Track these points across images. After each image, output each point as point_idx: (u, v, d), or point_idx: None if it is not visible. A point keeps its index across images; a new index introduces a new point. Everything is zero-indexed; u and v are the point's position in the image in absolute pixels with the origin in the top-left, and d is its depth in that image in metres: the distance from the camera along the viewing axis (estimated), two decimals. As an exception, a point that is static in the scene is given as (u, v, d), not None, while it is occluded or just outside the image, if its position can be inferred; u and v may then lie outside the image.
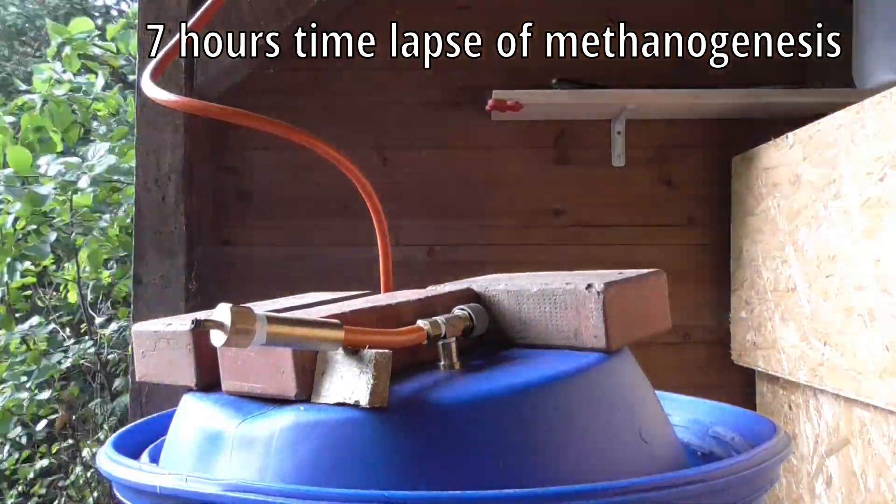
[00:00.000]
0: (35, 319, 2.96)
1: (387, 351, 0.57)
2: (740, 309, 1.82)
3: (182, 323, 0.69)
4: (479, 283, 0.76)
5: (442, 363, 0.65)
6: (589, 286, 0.64)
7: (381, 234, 0.90)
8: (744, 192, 1.80)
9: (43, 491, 2.92)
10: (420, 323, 0.63)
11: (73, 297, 3.09)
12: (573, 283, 0.66)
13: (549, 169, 1.96)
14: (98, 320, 3.00)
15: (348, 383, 0.56)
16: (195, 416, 0.65)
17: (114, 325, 2.99)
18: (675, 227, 1.96)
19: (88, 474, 2.78)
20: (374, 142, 1.95)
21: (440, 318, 0.65)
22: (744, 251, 1.80)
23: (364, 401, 0.55)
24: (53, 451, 3.00)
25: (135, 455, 0.74)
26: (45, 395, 2.73)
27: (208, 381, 0.67)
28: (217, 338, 0.51)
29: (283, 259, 1.92)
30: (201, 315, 0.55)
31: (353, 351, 0.57)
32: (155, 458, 0.74)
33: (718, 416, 0.86)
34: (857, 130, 1.29)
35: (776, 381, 1.70)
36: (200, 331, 0.51)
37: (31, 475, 2.95)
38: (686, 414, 0.91)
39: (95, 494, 2.72)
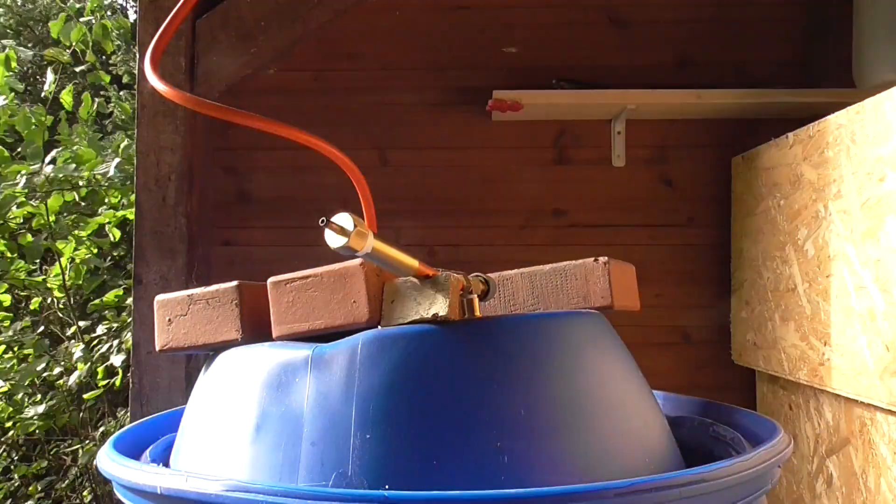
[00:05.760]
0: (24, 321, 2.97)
1: (459, 274, 0.65)
2: (740, 309, 1.82)
3: (218, 286, 0.76)
4: (485, 275, 0.81)
5: (465, 316, 0.70)
6: (596, 259, 0.79)
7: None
8: (744, 192, 1.80)
9: (40, 493, 2.91)
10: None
11: (34, 304, 3.09)
12: (579, 260, 0.80)
13: (549, 169, 1.96)
14: (83, 324, 3.00)
15: (424, 302, 0.65)
16: (253, 358, 0.69)
17: (101, 329, 2.99)
18: (675, 227, 1.96)
19: (85, 475, 2.78)
20: (373, 142, 1.94)
21: (462, 275, 0.71)
22: (744, 251, 1.80)
23: (443, 311, 0.63)
24: (50, 452, 2.99)
25: (135, 455, 0.74)
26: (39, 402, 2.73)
27: (251, 335, 0.74)
28: (335, 240, 0.56)
29: (284, 259, 1.91)
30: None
31: (424, 278, 0.65)
32: (155, 459, 0.74)
33: (718, 416, 0.86)
34: (857, 130, 1.29)
35: (776, 381, 1.70)
36: (241, 288, 0.62)
37: (28, 475, 2.94)
38: (686, 413, 0.91)
39: (94, 494, 2.72)
